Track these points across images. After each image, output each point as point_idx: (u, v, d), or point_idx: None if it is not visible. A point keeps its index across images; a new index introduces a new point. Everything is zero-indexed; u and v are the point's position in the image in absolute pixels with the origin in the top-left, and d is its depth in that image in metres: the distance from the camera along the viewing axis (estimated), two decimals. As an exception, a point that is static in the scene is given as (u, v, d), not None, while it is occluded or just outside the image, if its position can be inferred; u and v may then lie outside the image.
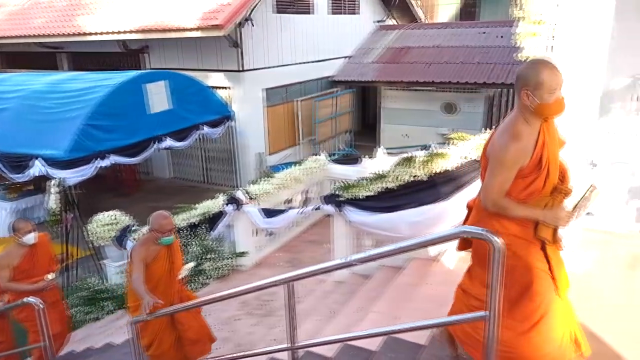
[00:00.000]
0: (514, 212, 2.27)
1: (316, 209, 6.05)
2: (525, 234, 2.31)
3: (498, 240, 1.98)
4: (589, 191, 2.28)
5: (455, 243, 2.68)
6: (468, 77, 12.32)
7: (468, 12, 19.92)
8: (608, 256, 3.94)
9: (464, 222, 2.61)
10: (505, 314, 2.31)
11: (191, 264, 3.96)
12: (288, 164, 8.74)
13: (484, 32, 13.85)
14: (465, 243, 2.61)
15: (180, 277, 3.96)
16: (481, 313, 2.14)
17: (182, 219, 6.61)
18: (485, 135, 4.97)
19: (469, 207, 2.60)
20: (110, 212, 6.80)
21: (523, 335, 2.35)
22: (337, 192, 5.53)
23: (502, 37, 12.89)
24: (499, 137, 2.28)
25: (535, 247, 2.32)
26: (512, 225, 2.31)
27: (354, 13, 14.90)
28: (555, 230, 2.29)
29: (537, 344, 2.33)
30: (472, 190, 4.88)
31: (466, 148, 4.93)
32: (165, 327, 3.92)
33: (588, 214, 2.21)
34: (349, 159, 8.98)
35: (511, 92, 12.44)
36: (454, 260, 4.72)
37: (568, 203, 2.28)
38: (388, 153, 8.34)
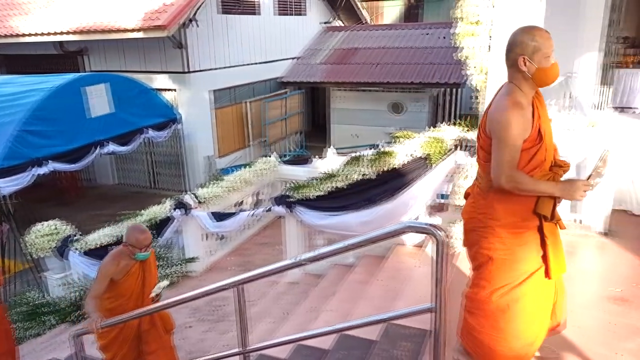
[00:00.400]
0: (528, 185, 2.16)
1: (267, 211, 6.00)
2: (521, 220, 2.25)
3: (441, 234, 2.03)
4: (602, 156, 2.20)
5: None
6: (413, 77, 12.63)
7: (412, 14, 20.43)
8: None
9: (462, 213, 2.53)
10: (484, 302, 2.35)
11: (165, 283, 3.73)
12: (238, 167, 8.64)
13: (427, 34, 14.24)
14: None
15: (152, 295, 3.67)
16: (427, 305, 2.19)
17: (126, 227, 6.38)
18: (429, 132, 5.11)
19: (467, 196, 2.53)
20: (50, 222, 6.48)
21: (501, 322, 2.34)
22: (288, 193, 5.52)
23: (444, 38, 13.29)
24: (498, 112, 2.20)
25: (531, 234, 2.26)
26: (507, 214, 2.26)
27: (301, 14, 14.93)
28: (554, 207, 2.24)
29: (514, 330, 2.32)
30: (421, 186, 5.00)
31: (412, 146, 5.04)
32: (130, 344, 3.72)
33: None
34: (299, 160, 8.97)
35: (454, 91, 12.88)
36: (404, 256, 4.82)
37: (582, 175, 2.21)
38: (338, 153, 8.40)
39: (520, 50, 2.17)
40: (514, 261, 2.27)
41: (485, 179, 2.31)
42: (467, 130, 4.62)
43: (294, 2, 14.47)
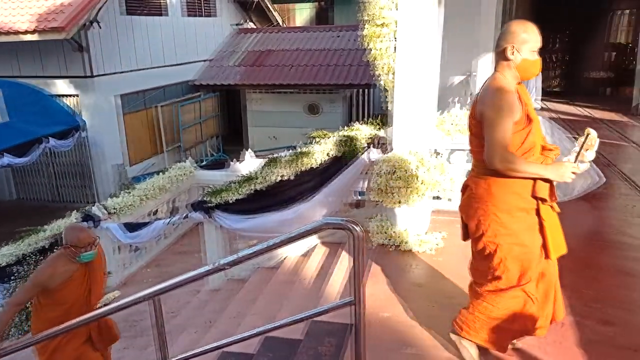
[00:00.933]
0: (520, 166, 2.23)
1: (185, 218, 5.81)
2: (520, 204, 2.32)
3: (357, 229, 2.09)
4: (587, 138, 2.28)
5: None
6: (327, 78, 12.87)
7: (323, 16, 20.77)
8: (454, 234, 4.40)
9: (459, 207, 2.59)
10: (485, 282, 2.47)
11: (116, 293, 3.38)
12: (152, 174, 8.27)
13: (339, 36, 14.57)
14: (467, 233, 2.60)
15: (99, 305, 3.32)
16: (347, 299, 2.25)
17: (27, 244, 5.87)
18: (344, 132, 5.24)
19: (464, 189, 2.55)
20: None
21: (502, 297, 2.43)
22: (205, 199, 5.38)
23: (355, 40, 13.68)
24: (487, 95, 2.29)
25: (531, 218, 2.34)
26: (506, 199, 2.32)
27: (211, 15, 14.62)
28: (551, 189, 2.32)
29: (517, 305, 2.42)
30: (338, 183, 5.10)
31: (328, 145, 5.13)
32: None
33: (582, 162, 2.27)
34: (217, 164, 8.79)
35: (367, 91, 13.29)
36: (324, 255, 4.89)
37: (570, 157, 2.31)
38: (256, 155, 8.34)
39: (511, 38, 2.27)
40: (521, 244, 2.34)
41: (481, 166, 2.36)
42: (379, 129, 4.79)
43: (204, 3, 14.15)
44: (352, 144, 4.95)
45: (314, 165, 5.11)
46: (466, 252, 3.98)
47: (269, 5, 16.92)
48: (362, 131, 4.97)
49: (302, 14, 21.35)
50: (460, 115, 4.47)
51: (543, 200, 2.31)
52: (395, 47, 3.98)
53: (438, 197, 4.38)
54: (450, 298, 3.31)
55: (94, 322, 3.27)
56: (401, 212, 4.12)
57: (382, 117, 4.98)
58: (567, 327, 2.94)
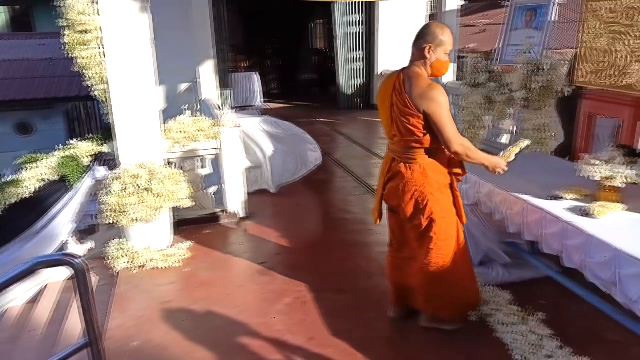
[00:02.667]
0: (473, 152, 2.58)
1: None
2: (444, 181, 2.66)
3: (78, 262, 1.83)
4: (522, 145, 2.79)
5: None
6: (38, 92, 11.19)
7: (21, 22, 17.93)
8: (200, 241, 4.39)
9: (387, 195, 2.75)
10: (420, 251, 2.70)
11: None
12: None
13: (44, 44, 12.83)
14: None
15: None
16: (81, 341, 1.97)
17: None
18: (62, 152, 4.61)
19: (394, 176, 2.68)
20: None
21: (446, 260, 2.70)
22: None
23: (61, 48, 12.26)
24: (430, 92, 2.47)
25: (449, 191, 2.70)
26: (437, 179, 2.62)
27: None
28: (462, 165, 2.70)
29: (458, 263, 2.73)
30: (63, 211, 4.46)
31: (43, 169, 4.43)
32: None
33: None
34: None
35: (89, 104, 12.10)
36: (59, 293, 4.24)
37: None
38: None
39: (431, 39, 2.51)
40: (450, 215, 2.68)
41: (413, 152, 2.59)
42: (102, 144, 4.38)
43: None
44: (72, 164, 4.38)
45: (28, 195, 4.34)
46: (214, 256, 4.03)
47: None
48: (81, 149, 4.46)
49: (-6, 19, 18.01)
50: (188, 122, 4.44)
51: (457, 175, 2.72)
52: (104, 54, 3.68)
53: (178, 207, 4.27)
54: (204, 305, 3.27)
55: None
56: (140, 229, 3.87)
57: (104, 132, 4.57)
58: (309, 302, 3.25)
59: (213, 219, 4.71)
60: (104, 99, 3.99)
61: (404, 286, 2.91)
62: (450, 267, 2.68)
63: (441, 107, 2.47)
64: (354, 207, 5.13)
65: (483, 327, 2.91)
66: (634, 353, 2.65)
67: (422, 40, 2.54)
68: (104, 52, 3.68)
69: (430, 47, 2.51)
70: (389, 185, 2.73)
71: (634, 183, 2.58)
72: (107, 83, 3.74)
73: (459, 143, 2.51)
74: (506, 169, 2.72)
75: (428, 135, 2.53)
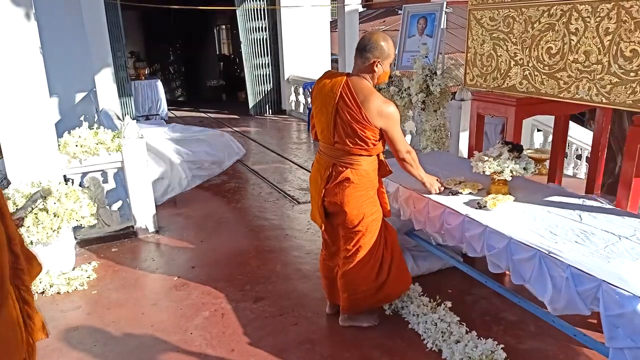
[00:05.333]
0: (416, 163, 2.86)
1: None
2: (378, 183, 2.85)
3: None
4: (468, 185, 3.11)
5: None
6: None
7: None
8: (108, 259, 4.15)
9: (329, 201, 2.76)
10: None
11: None
12: None
13: None
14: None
15: None
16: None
17: None
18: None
19: (342, 182, 2.71)
20: None
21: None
22: None
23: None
24: (385, 106, 2.58)
25: (377, 187, 2.87)
26: (375, 181, 2.81)
27: None
28: (386, 167, 2.87)
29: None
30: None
31: None
32: None
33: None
34: None
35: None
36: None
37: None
38: None
39: (379, 54, 2.57)
40: (377, 212, 2.83)
41: (359, 160, 2.68)
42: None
43: None
44: (-48, 186, 3.93)
45: None
46: (123, 275, 3.82)
47: None
48: (-37, 169, 4.02)
49: None
50: (86, 135, 4.17)
51: (384, 175, 2.91)
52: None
53: (80, 226, 4.00)
54: (116, 327, 3.10)
55: None
56: (38, 253, 3.56)
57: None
58: (228, 314, 3.21)
59: (121, 235, 4.47)
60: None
61: (332, 281, 3.04)
62: (370, 259, 2.83)
63: (396, 123, 2.65)
64: (269, 213, 5.13)
65: (398, 320, 3.06)
66: (528, 330, 2.94)
67: (370, 54, 2.57)
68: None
69: (379, 61, 2.58)
70: (331, 190, 2.73)
71: (519, 175, 2.87)
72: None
73: (407, 153, 2.79)
74: (441, 190, 3.00)
75: (378, 143, 2.68)
